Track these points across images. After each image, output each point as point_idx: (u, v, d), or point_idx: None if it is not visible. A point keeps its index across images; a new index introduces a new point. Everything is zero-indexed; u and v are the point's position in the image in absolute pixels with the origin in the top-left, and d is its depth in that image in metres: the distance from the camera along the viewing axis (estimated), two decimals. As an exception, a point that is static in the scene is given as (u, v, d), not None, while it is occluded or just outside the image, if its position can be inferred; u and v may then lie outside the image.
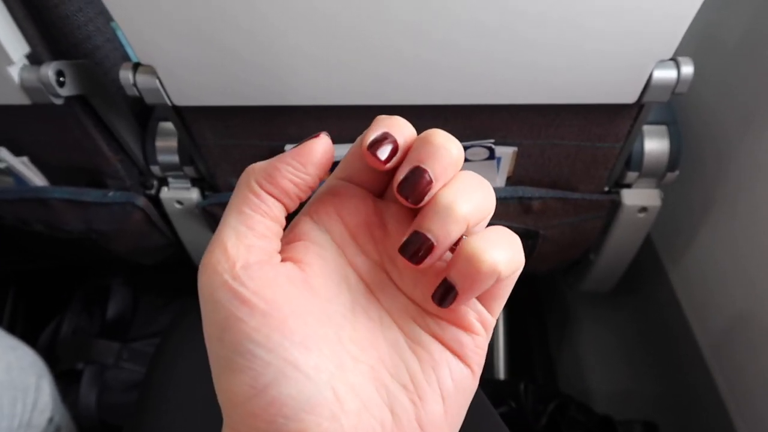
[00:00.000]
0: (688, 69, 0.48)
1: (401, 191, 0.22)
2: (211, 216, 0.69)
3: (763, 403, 0.59)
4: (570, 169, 0.61)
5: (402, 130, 0.23)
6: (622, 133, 0.56)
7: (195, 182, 0.69)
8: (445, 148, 0.22)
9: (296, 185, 0.23)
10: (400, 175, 0.22)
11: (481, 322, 0.24)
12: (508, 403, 0.81)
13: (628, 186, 0.64)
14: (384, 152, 0.23)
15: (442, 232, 0.21)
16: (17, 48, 0.53)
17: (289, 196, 0.23)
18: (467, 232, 0.22)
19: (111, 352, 0.92)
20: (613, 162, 0.60)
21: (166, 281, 1.04)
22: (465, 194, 0.22)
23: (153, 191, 0.70)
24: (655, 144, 0.61)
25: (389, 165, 0.23)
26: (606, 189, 0.64)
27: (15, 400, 0.65)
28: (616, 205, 0.65)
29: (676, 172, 0.62)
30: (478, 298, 0.24)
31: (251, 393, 0.20)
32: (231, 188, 0.66)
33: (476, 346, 0.24)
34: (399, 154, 0.23)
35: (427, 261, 0.22)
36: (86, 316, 0.99)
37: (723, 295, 0.66)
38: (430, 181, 0.22)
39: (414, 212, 0.23)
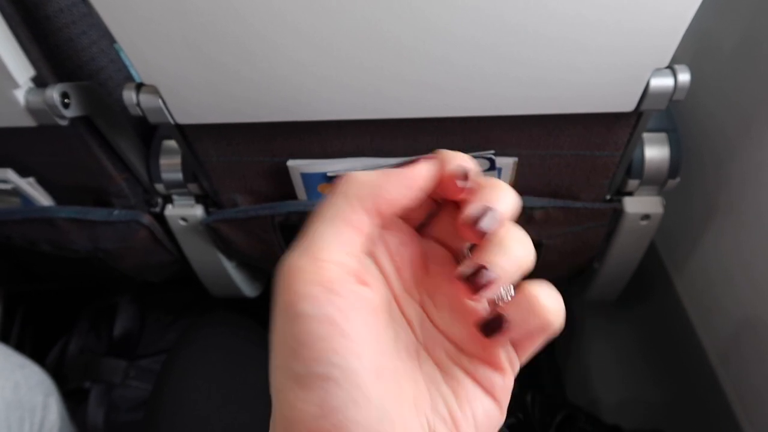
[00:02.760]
0: (684, 77, 0.49)
1: (473, 227, 0.23)
2: (215, 232, 0.69)
3: (772, 410, 0.59)
4: (571, 178, 0.61)
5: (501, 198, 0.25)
6: (621, 141, 0.57)
7: (199, 199, 0.70)
8: (513, 196, 0.25)
9: (394, 207, 0.23)
10: (471, 211, 0.24)
11: (510, 364, 0.25)
12: (516, 414, 0.80)
13: (630, 194, 0.65)
14: (489, 225, 0.24)
15: (504, 268, 0.23)
16: (23, 71, 0.54)
17: (385, 216, 0.24)
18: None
19: (118, 370, 0.92)
20: (614, 170, 0.60)
21: (173, 298, 1.04)
22: (522, 241, 0.24)
23: (158, 209, 0.71)
24: (655, 151, 0.61)
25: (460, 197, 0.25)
26: (608, 197, 0.65)
27: (22, 420, 0.66)
28: (618, 213, 0.65)
29: (678, 179, 0.62)
30: (515, 344, 0.25)
31: (317, 413, 0.20)
32: (234, 204, 0.67)
33: (504, 384, 0.25)
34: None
35: (485, 293, 0.23)
36: (93, 334, 0.99)
37: (728, 301, 0.66)
38: (498, 222, 0.24)
39: (453, 258, 0.26)
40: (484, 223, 0.23)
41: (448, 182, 0.24)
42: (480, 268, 0.23)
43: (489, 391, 0.25)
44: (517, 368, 0.26)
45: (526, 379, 0.97)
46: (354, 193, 0.23)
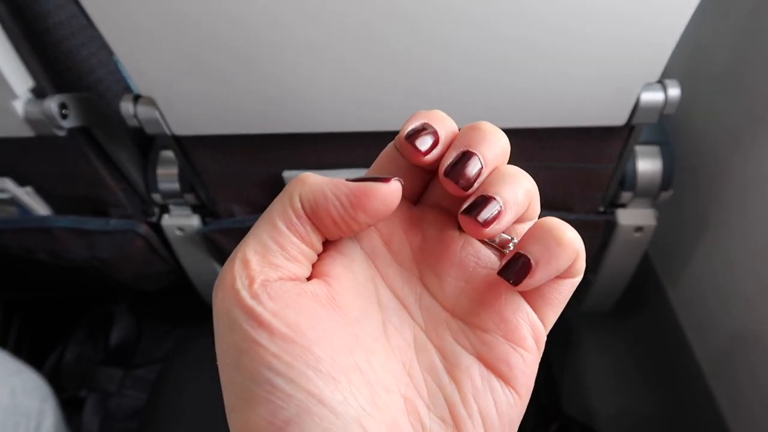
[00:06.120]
0: (674, 91, 0.49)
1: (449, 175, 0.20)
2: (211, 242, 0.70)
3: (765, 421, 0.59)
4: (565, 190, 0.62)
5: (444, 122, 0.21)
6: (614, 154, 0.57)
7: (195, 209, 0.70)
8: (495, 135, 0.21)
9: (337, 225, 0.20)
10: (447, 160, 0.21)
11: (534, 336, 0.21)
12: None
13: (623, 206, 0.65)
14: (424, 143, 0.21)
15: (511, 195, 0.20)
16: (22, 82, 0.54)
17: (328, 230, 0.21)
18: (515, 231, 0.22)
19: (114, 379, 0.92)
20: (607, 183, 0.60)
21: (170, 308, 1.04)
22: (525, 174, 0.21)
23: (154, 218, 0.71)
24: (648, 164, 0.61)
25: (429, 157, 0.21)
26: (601, 209, 0.65)
27: (18, 426, 0.66)
28: (611, 225, 0.65)
29: (670, 192, 0.62)
30: (533, 305, 0.22)
31: (270, 429, 0.18)
32: (231, 215, 0.67)
33: (525, 365, 0.21)
34: (440, 147, 0.21)
35: (494, 226, 0.20)
36: (90, 343, 0.99)
37: (721, 313, 0.66)
38: (482, 166, 0.20)
39: (455, 218, 0.22)
40: (459, 172, 0.20)
41: (407, 148, 0.21)
42: (480, 198, 0.20)
43: (504, 376, 0.21)
44: (542, 341, 0.22)
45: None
46: (298, 195, 0.20)
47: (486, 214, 0.20)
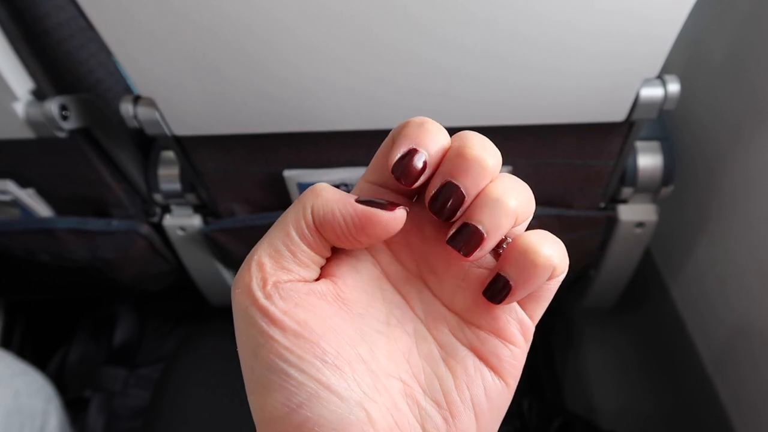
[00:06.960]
0: (674, 87, 0.49)
1: (431, 207, 0.22)
2: (213, 242, 0.70)
3: (767, 415, 0.59)
4: (565, 187, 0.62)
5: (432, 139, 0.22)
6: (614, 150, 0.57)
7: (197, 209, 0.70)
8: (479, 162, 0.21)
9: (341, 240, 0.22)
10: (432, 189, 0.22)
11: (522, 333, 0.23)
12: (512, 422, 0.81)
13: (624, 202, 0.65)
14: (410, 173, 0.21)
15: (492, 223, 0.21)
16: (22, 84, 0.54)
17: (333, 243, 0.23)
18: (510, 233, 0.23)
19: (118, 379, 0.93)
20: (607, 179, 0.60)
21: (172, 307, 1.04)
22: (512, 190, 0.21)
23: (156, 219, 0.72)
24: (648, 159, 0.61)
25: (416, 185, 0.22)
26: (602, 205, 0.65)
27: (22, 427, 0.66)
28: (612, 221, 0.65)
29: (671, 187, 0.62)
30: (521, 302, 0.23)
31: (284, 411, 0.20)
32: (232, 214, 0.67)
33: (514, 358, 0.23)
34: (428, 172, 0.22)
35: (477, 253, 0.21)
36: (93, 343, 1.00)
37: (723, 307, 0.66)
38: (463, 198, 0.21)
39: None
40: (441, 205, 0.21)
41: (393, 177, 0.22)
42: (464, 227, 0.21)
43: (495, 367, 0.23)
44: (530, 335, 0.24)
45: (523, 385, 0.97)
46: (310, 207, 0.22)
47: (468, 244, 0.21)
